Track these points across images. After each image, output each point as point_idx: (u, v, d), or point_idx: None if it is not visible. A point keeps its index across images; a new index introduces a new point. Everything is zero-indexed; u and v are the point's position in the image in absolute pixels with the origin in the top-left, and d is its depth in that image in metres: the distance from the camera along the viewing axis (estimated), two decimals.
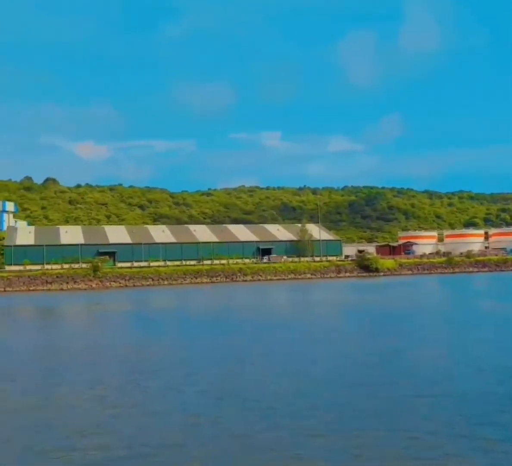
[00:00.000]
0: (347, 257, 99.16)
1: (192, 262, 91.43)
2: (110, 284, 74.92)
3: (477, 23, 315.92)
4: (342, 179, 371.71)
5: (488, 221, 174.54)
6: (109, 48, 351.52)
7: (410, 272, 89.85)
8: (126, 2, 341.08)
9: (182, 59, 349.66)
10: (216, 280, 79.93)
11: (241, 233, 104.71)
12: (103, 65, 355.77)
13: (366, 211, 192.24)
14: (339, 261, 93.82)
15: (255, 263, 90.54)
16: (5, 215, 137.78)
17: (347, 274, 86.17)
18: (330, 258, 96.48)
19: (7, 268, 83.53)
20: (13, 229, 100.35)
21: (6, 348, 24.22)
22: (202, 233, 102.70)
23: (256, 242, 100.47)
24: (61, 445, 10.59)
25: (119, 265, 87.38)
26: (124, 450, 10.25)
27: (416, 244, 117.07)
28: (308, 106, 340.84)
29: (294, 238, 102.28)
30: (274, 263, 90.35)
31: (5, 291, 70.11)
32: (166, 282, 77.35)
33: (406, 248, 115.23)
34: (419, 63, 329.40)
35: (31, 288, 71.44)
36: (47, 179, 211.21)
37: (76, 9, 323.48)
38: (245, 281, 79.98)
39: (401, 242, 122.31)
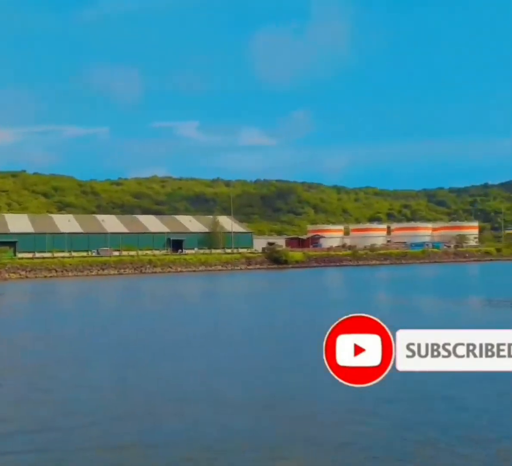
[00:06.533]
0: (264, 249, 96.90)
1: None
2: (9, 275, 70.77)
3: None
4: (255, 172, 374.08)
5: (390, 217, 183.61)
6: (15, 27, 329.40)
7: (317, 264, 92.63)
8: None
9: (98, 43, 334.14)
10: (124, 271, 77.88)
11: (152, 223, 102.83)
12: (12, 45, 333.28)
13: (278, 205, 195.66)
14: (249, 253, 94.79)
15: (165, 255, 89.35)
16: None
17: (257, 266, 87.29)
18: (241, 250, 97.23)
19: None
20: None
21: None
22: (111, 223, 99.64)
23: (167, 233, 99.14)
24: None
25: (20, 255, 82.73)
26: None
27: (323, 237, 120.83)
28: (223, 98, 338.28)
29: (206, 230, 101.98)
30: (185, 254, 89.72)
31: None
32: (71, 274, 74.24)
33: (314, 241, 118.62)
34: (329, 60, 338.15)
35: None
36: None
37: None
38: (155, 272, 78.65)
39: (309, 235, 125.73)
